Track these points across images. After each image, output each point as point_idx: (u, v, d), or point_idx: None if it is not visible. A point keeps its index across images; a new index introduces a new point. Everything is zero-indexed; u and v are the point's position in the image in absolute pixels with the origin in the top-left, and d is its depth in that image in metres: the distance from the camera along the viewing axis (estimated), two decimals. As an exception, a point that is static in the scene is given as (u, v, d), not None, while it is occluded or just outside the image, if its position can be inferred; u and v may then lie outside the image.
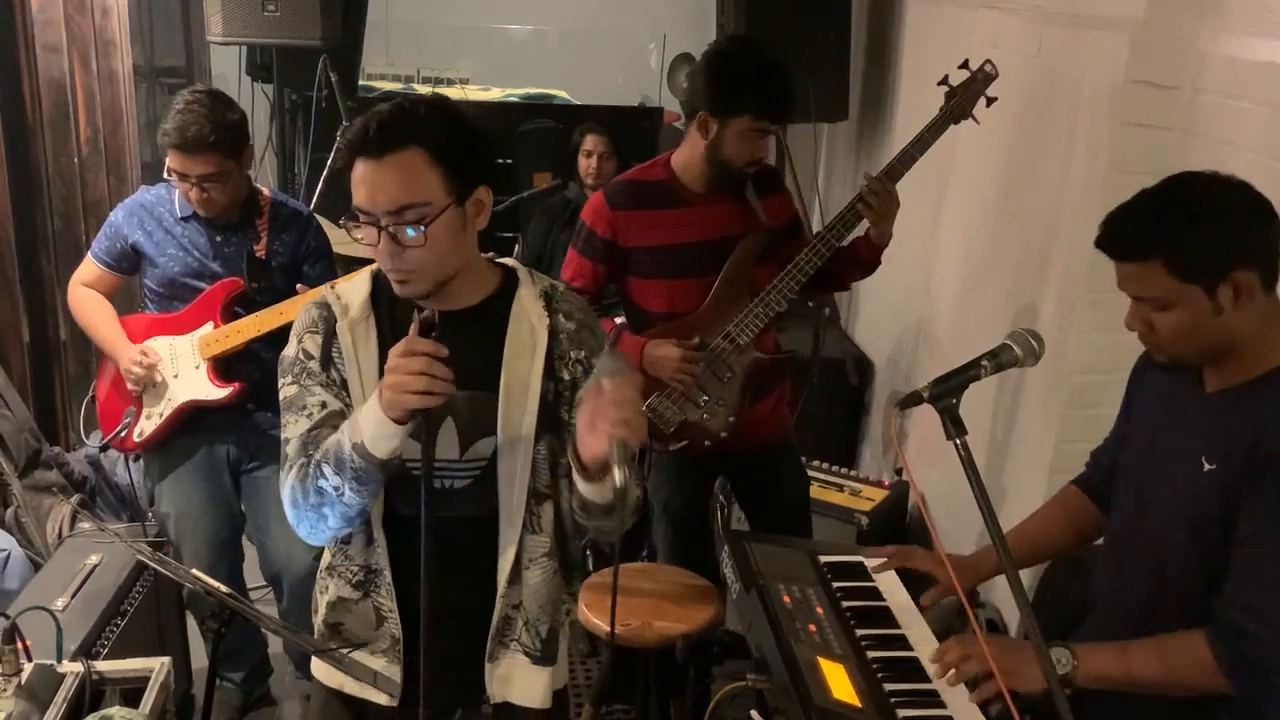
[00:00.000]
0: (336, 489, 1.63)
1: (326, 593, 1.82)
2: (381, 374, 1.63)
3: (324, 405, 1.71)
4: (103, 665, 1.85)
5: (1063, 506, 2.10)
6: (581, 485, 1.65)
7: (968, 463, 1.59)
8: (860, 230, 2.77)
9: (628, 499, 1.54)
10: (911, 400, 1.67)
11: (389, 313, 1.75)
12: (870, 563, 2.13)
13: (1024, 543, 2.06)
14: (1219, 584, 1.67)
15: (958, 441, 1.61)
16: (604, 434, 1.52)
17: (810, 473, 3.56)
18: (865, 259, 2.76)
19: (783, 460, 3.03)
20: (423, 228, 1.60)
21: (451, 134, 1.64)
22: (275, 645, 3.35)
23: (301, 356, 1.74)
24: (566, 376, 1.76)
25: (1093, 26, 2.71)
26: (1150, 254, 1.65)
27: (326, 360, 1.73)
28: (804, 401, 3.87)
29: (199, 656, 3.14)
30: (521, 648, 1.82)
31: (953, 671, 1.79)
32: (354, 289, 1.78)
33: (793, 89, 2.64)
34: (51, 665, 1.82)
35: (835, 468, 3.64)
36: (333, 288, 1.80)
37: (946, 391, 1.64)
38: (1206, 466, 1.68)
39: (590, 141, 4.11)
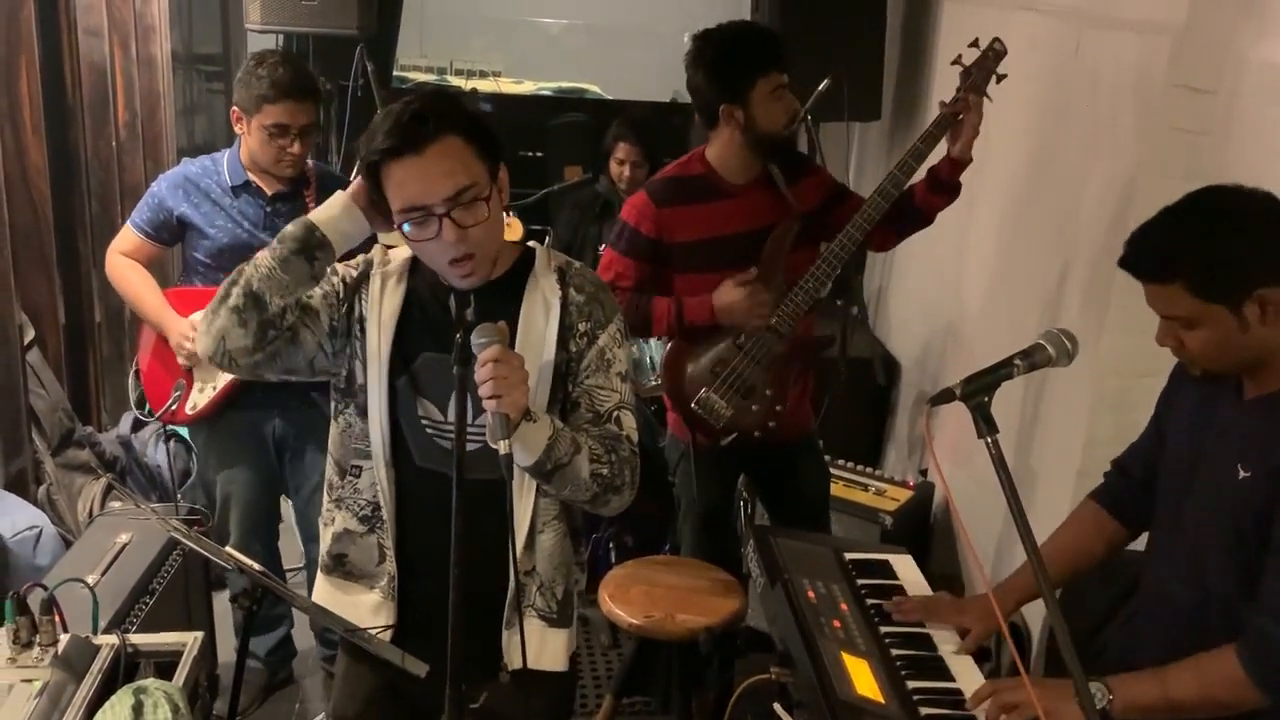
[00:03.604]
0: (254, 259, 1.73)
1: (332, 524, 1.90)
2: (400, 332, 1.79)
3: (322, 298, 1.81)
4: (137, 638, 1.88)
5: (1079, 530, 2.07)
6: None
7: (998, 461, 1.59)
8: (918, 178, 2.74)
9: (544, 467, 1.67)
10: (943, 397, 1.66)
11: (426, 286, 1.82)
12: (896, 617, 2.09)
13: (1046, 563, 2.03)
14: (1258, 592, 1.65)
15: (989, 440, 1.60)
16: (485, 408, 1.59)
17: (835, 471, 3.57)
18: (950, 182, 2.69)
19: (804, 456, 3.03)
20: (485, 203, 1.67)
21: (469, 117, 1.71)
22: (300, 625, 3.38)
23: (333, 272, 1.83)
24: (573, 348, 1.80)
25: (1132, 29, 2.69)
26: (1171, 276, 1.64)
27: (353, 291, 1.82)
28: (829, 400, 3.87)
29: (224, 638, 3.18)
30: (537, 612, 1.86)
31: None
32: (400, 251, 1.86)
33: (774, 34, 2.69)
34: (87, 637, 1.84)
35: (860, 467, 3.63)
36: (382, 246, 1.89)
37: (979, 389, 1.63)
38: (1242, 474, 1.67)
39: (623, 150, 4.13)
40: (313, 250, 1.73)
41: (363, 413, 1.83)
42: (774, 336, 2.70)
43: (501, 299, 1.78)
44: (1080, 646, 1.64)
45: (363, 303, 1.82)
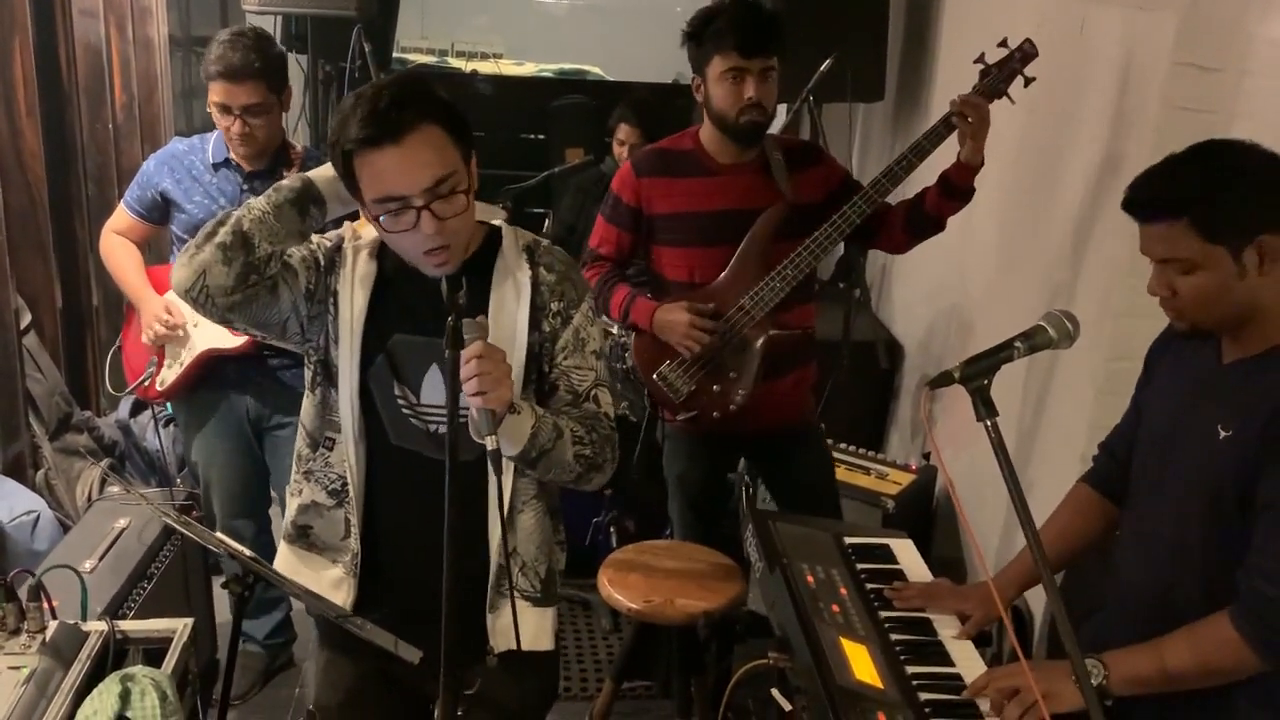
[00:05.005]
0: (247, 203, 1.71)
1: (300, 495, 1.89)
2: (372, 310, 1.76)
3: (300, 260, 1.76)
4: (126, 625, 1.87)
5: (1075, 512, 2.07)
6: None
7: (998, 445, 1.57)
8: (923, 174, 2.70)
9: (529, 455, 1.67)
10: (942, 380, 1.64)
11: (396, 267, 1.79)
12: (897, 604, 2.08)
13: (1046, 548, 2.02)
14: (1239, 554, 1.65)
15: (988, 423, 1.58)
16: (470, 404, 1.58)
17: (838, 455, 3.54)
18: (961, 186, 2.64)
19: (800, 443, 3.00)
20: (462, 194, 1.65)
21: (445, 104, 1.68)
22: (299, 609, 3.37)
23: (308, 241, 1.80)
24: (546, 328, 1.79)
25: (1138, 7, 2.66)
26: (1179, 211, 1.64)
27: (329, 260, 1.79)
28: (832, 384, 3.85)
29: (225, 622, 3.17)
30: (520, 592, 1.86)
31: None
32: (368, 230, 1.83)
33: (760, 19, 2.61)
34: (76, 624, 1.83)
35: (863, 451, 3.61)
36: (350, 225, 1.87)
37: (978, 372, 1.61)
38: (1223, 434, 1.67)
39: (623, 131, 4.12)
40: (307, 203, 1.72)
41: (338, 387, 1.82)
42: (745, 320, 2.69)
43: (470, 281, 1.74)
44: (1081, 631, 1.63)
45: (336, 276, 1.80)
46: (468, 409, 1.63)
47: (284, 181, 1.74)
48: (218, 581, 3.17)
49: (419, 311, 1.77)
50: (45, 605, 1.74)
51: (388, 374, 1.79)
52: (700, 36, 2.64)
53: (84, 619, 1.90)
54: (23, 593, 1.77)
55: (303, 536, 1.90)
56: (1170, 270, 1.68)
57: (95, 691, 1.58)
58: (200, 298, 1.69)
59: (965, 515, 1.85)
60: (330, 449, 1.84)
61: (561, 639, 3.50)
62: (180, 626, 1.88)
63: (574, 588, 3.72)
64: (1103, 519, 2.03)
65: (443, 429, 1.80)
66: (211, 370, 2.93)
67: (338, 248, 1.82)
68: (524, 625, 1.84)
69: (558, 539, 1.94)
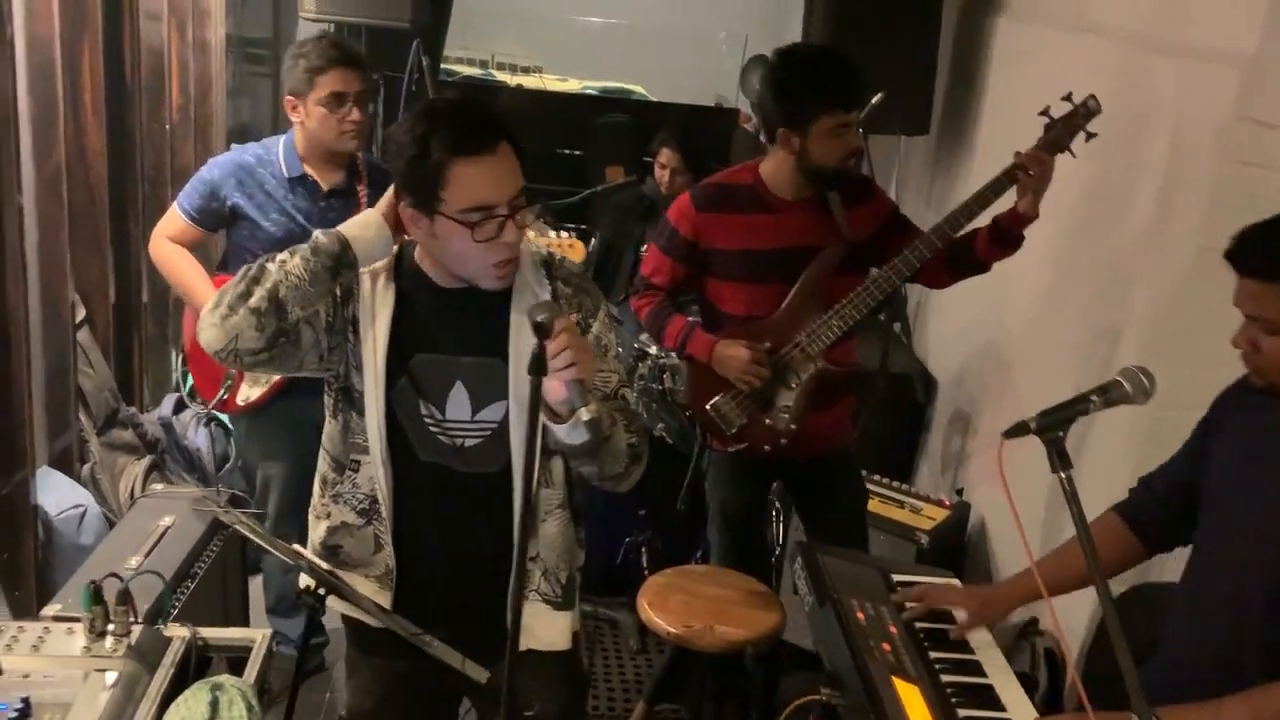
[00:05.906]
0: (282, 261, 1.73)
1: (328, 518, 1.93)
2: (394, 333, 1.79)
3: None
4: (206, 632, 1.90)
5: (1100, 539, 2.03)
6: (556, 430, 1.71)
7: (1072, 497, 1.59)
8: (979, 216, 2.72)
9: (600, 430, 1.69)
10: (1018, 430, 1.66)
11: (415, 288, 1.83)
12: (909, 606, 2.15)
13: (1056, 570, 2.05)
14: None
15: (1062, 475, 1.60)
16: (558, 381, 1.62)
17: (871, 487, 3.56)
18: (1012, 234, 2.66)
19: (840, 472, 3.03)
20: (539, 205, 1.77)
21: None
22: (332, 612, 3.38)
23: None
24: None
25: (1199, 59, 2.68)
26: (1273, 276, 1.65)
27: (347, 293, 1.82)
28: (866, 415, 3.87)
29: (255, 623, 3.19)
30: (541, 596, 1.93)
31: None
32: None
33: (854, 70, 2.65)
34: (159, 628, 1.86)
35: (896, 484, 3.63)
36: None
37: (1054, 424, 1.64)
38: None
39: (665, 155, 4.17)
40: (341, 268, 1.76)
41: (362, 412, 1.85)
42: (801, 356, 2.72)
43: (489, 297, 1.81)
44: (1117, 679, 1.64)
45: (354, 304, 1.83)
46: (493, 422, 1.74)
47: (321, 240, 1.75)
48: (254, 582, 3.21)
49: (437, 330, 1.82)
50: (130, 609, 1.77)
51: (412, 394, 1.83)
52: (802, 96, 2.64)
53: (165, 622, 1.92)
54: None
55: (332, 556, 1.94)
56: (1256, 327, 1.70)
57: (182, 698, 1.61)
58: (229, 358, 1.74)
59: (1032, 557, 1.93)
60: (356, 470, 1.88)
61: (589, 657, 3.56)
62: (259, 637, 1.91)
63: (603, 605, 3.74)
64: (1125, 552, 2.05)
65: (469, 443, 1.85)
66: (291, 382, 2.93)
67: (354, 276, 1.83)
68: (545, 627, 1.93)
69: (578, 538, 2.00)
